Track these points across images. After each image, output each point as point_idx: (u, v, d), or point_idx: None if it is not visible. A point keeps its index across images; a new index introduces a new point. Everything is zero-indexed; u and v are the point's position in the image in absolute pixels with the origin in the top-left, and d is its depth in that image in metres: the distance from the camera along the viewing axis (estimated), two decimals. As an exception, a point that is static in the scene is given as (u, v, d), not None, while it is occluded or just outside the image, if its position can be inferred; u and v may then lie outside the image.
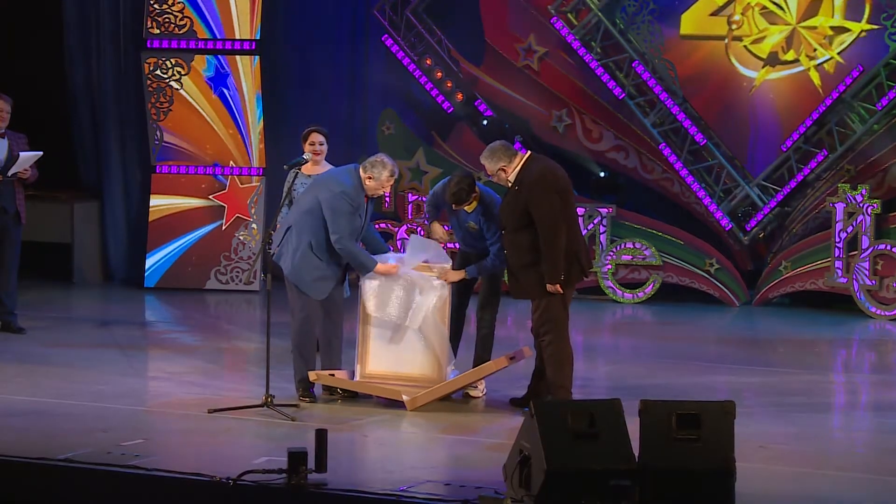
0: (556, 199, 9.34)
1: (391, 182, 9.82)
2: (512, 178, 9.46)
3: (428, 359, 9.78)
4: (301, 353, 9.79)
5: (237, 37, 15.07)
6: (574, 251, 9.40)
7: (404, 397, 9.54)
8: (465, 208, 9.94)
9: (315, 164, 10.67)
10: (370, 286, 9.77)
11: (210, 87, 15.06)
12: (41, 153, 11.99)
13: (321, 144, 10.88)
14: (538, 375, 9.64)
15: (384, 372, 9.83)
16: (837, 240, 14.29)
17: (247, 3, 15.00)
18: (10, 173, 11.83)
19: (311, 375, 9.70)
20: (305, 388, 9.77)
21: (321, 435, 7.63)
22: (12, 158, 11.84)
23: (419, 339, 9.78)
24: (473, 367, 10.07)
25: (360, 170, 9.75)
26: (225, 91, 15.10)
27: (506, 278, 10.04)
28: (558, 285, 9.30)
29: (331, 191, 9.66)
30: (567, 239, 9.33)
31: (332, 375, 9.79)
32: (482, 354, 10.14)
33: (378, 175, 9.71)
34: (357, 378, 9.82)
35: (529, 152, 9.66)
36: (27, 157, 11.85)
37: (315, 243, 9.65)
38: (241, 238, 15.15)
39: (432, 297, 9.73)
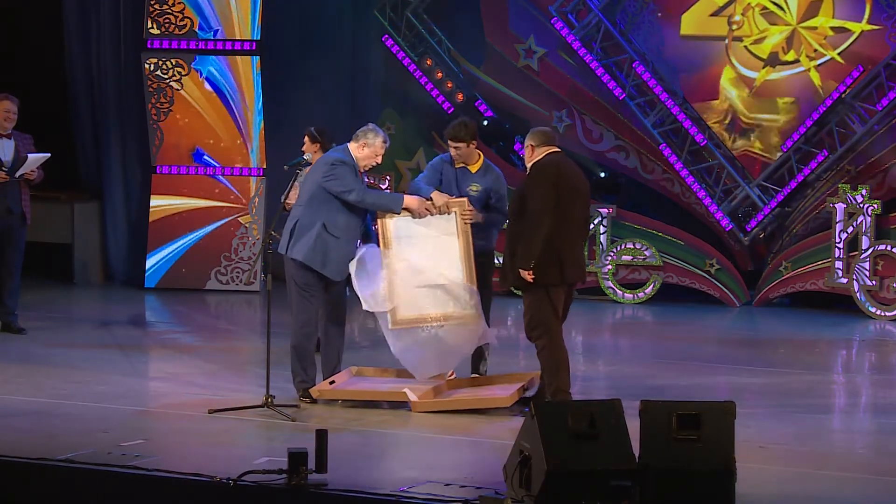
0: (550, 190, 9.22)
1: (384, 149, 9.76)
2: (529, 165, 9.47)
3: (457, 293, 9.69)
4: (298, 354, 9.78)
5: (237, 37, 15.08)
6: (558, 251, 9.23)
7: (411, 397, 9.51)
8: (470, 168, 9.96)
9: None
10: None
11: (209, 87, 15.08)
12: (49, 155, 12.01)
13: (303, 144, 10.96)
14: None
15: (416, 316, 9.70)
16: (838, 240, 14.29)
17: (247, 4, 15.02)
18: (17, 174, 11.85)
19: (314, 393, 9.66)
20: (305, 389, 9.76)
21: (321, 435, 7.63)
22: (19, 160, 11.86)
23: (443, 278, 9.67)
24: (472, 360, 10.11)
25: (352, 142, 9.75)
26: (225, 91, 15.11)
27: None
28: (529, 273, 9.20)
29: (325, 164, 9.71)
30: (556, 238, 9.20)
31: (333, 383, 9.77)
32: (481, 346, 10.15)
33: (372, 141, 9.70)
34: (390, 325, 9.68)
35: (559, 150, 9.54)
36: (35, 159, 11.87)
37: (328, 224, 9.63)
38: (242, 233, 15.17)
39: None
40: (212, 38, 15.04)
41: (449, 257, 9.70)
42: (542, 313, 9.32)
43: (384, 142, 9.76)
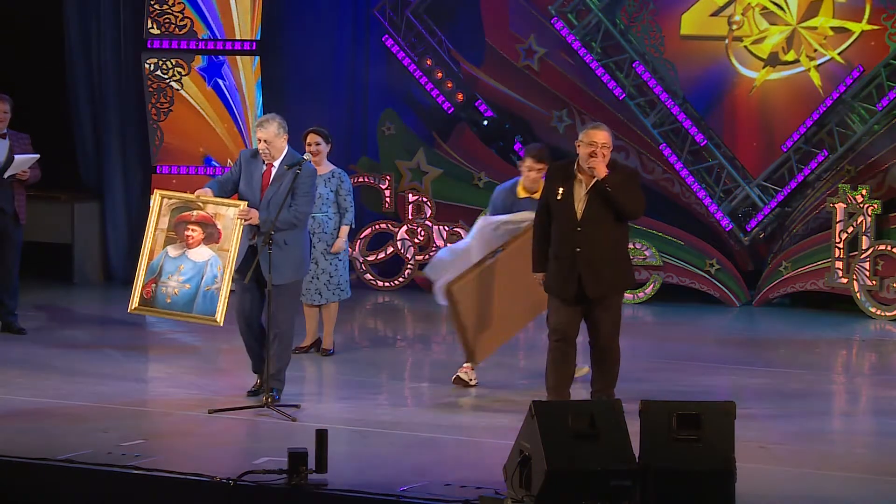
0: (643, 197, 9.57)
1: (257, 133, 9.72)
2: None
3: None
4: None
5: (237, 37, 15.08)
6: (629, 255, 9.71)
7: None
8: (534, 196, 10.09)
9: (315, 164, 10.67)
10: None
11: (206, 82, 15.06)
12: (38, 156, 11.99)
13: (317, 144, 10.97)
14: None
15: None
16: (838, 240, 14.29)
17: (247, 3, 15.02)
18: (5, 175, 11.83)
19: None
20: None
21: (321, 435, 7.63)
22: (10, 160, 11.84)
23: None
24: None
25: None
26: (224, 90, 15.10)
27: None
28: None
29: None
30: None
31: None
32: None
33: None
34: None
35: None
36: (23, 160, 11.84)
37: None
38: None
39: None
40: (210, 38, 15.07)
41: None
42: (619, 316, 9.40)
43: (257, 125, 9.78)
